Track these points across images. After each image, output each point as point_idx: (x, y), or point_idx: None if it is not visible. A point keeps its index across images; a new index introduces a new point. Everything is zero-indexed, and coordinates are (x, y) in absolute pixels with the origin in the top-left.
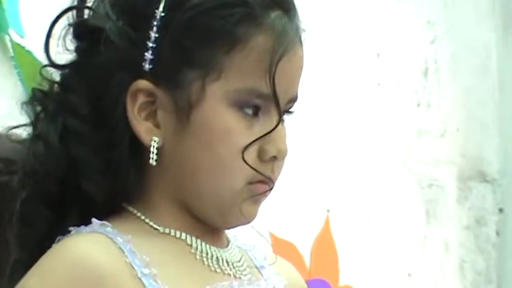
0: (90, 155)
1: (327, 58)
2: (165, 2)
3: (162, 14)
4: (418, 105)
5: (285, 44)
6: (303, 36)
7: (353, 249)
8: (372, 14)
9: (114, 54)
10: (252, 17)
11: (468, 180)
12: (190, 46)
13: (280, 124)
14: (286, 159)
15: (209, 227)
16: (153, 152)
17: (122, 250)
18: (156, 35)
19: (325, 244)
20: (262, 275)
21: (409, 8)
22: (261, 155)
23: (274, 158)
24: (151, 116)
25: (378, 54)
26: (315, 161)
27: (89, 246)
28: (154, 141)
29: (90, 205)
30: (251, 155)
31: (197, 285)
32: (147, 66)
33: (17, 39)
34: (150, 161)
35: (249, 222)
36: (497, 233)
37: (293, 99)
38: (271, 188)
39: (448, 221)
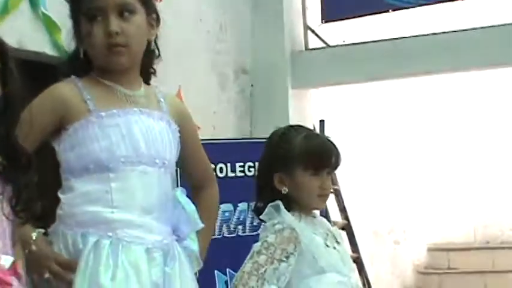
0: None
1: None
2: None
3: None
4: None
5: None
6: None
7: None
8: None
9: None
10: None
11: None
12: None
13: (107, 20)
14: None
15: (125, 76)
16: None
17: (79, 87)
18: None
19: None
20: (159, 102)
21: None
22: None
23: (110, 36)
24: None
25: None
26: None
27: (61, 86)
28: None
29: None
30: (100, 42)
31: (113, 108)
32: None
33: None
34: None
35: (118, 66)
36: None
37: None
38: (126, 46)
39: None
